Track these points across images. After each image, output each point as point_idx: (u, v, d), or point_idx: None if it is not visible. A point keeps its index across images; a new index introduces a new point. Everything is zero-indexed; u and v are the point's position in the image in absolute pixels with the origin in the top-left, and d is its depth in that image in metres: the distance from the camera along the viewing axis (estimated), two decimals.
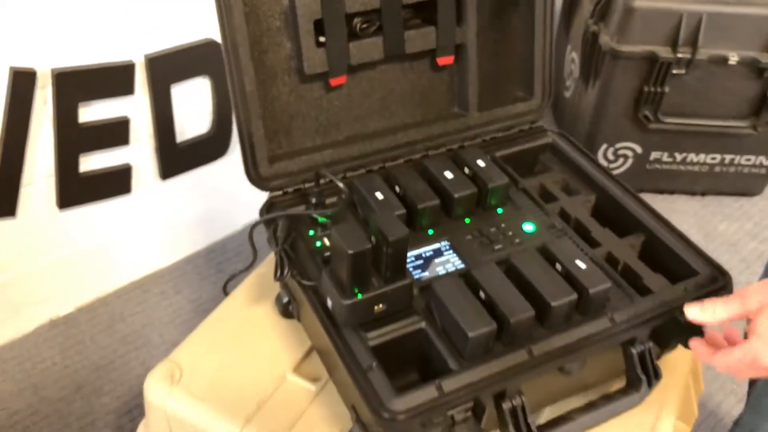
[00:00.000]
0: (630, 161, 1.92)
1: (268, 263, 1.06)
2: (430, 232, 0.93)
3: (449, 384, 0.74)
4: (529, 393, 0.78)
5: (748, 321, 0.74)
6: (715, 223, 1.96)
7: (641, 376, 0.82)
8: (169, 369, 0.91)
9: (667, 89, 1.76)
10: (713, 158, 1.91)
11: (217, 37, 1.47)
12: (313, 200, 0.91)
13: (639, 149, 1.90)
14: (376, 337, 0.78)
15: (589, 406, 0.82)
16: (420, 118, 1.05)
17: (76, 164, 1.44)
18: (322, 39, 0.92)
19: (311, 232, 0.89)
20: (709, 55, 1.70)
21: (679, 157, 1.91)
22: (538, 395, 0.83)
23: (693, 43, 1.69)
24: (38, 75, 1.32)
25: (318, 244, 0.88)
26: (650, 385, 0.83)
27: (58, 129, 1.38)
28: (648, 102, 1.79)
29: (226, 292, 1.03)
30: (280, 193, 0.95)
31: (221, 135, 1.64)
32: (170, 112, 1.52)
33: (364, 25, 0.94)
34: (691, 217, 1.97)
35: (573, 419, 0.80)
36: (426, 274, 0.87)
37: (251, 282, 1.03)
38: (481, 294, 0.80)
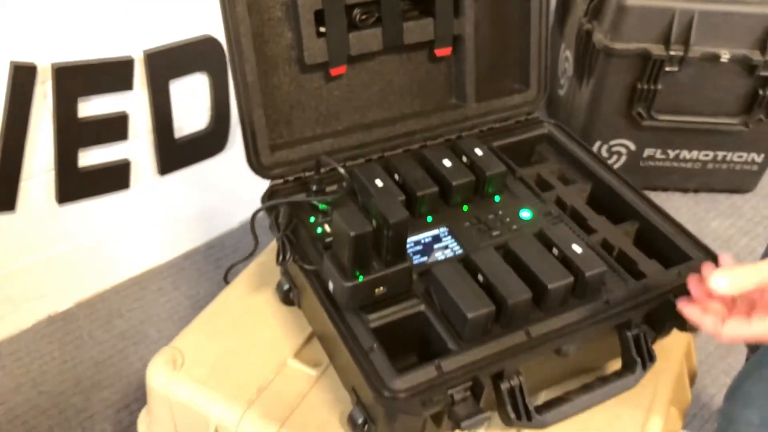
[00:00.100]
0: (624, 158, 1.94)
1: (268, 252, 1.07)
2: (429, 219, 0.94)
3: (448, 364, 0.75)
4: (526, 376, 0.80)
5: None
6: (708, 219, 1.98)
7: (636, 358, 0.84)
8: (171, 355, 0.92)
9: (660, 87, 1.78)
10: (706, 155, 1.93)
11: (216, 34, 1.51)
12: (314, 188, 0.92)
13: (632, 146, 1.92)
14: (377, 319, 0.80)
15: (586, 388, 0.83)
16: (418, 108, 1.06)
17: (75, 159, 1.45)
18: (322, 29, 0.94)
19: (312, 219, 0.91)
20: (701, 53, 1.72)
21: (672, 154, 1.93)
22: (535, 378, 0.84)
23: (685, 40, 1.71)
24: (38, 70, 1.32)
25: (319, 230, 0.89)
26: (645, 367, 0.84)
27: (58, 123, 1.39)
28: (641, 99, 1.81)
29: (227, 281, 1.04)
30: (281, 181, 0.97)
31: (219, 131, 1.65)
32: (169, 108, 1.53)
33: (364, 16, 0.96)
34: (684, 213, 1.99)
35: (569, 400, 0.82)
36: (425, 259, 0.89)
37: (252, 271, 1.04)
38: (480, 277, 0.82)
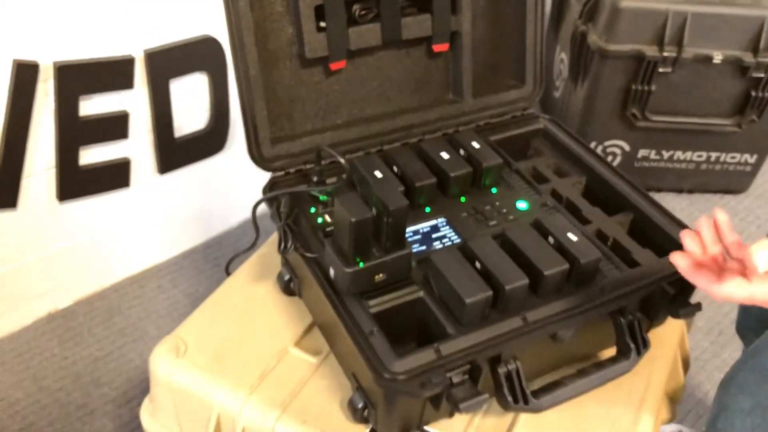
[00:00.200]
0: (618, 159, 1.96)
1: (269, 245, 1.09)
2: (428, 209, 0.96)
3: (447, 347, 0.77)
4: (524, 363, 0.82)
5: None
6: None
7: (630, 344, 0.86)
8: (174, 343, 0.94)
9: (654, 87, 1.80)
10: (699, 156, 1.96)
11: (215, 34, 1.53)
12: (315, 179, 0.94)
13: (627, 147, 1.94)
14: (377, 304, 0.82)
15: (581, 372, 0.85)
16: (416, 103, 1.08)
17: (76, 157, 1.47)
18: (322, 24, 0.96)
19: (313, 210, 0.93)
20: (694, 54, 1.75)
21: (666, 154, 1.96)
22: (532, 365, 0.86)
23: (678, 42, 1.74)
24: (41, 68, 1.34)
25: (319, 220, 0.91)
26: (639, 353, 0.86)
27: (59, 121, 1.41)
28: (635, 100, 1.83)
29: (228, 273, 1.06)
30: (281, 173, 0.98)
31: (218, 131, 1.67)
32: (169, 107, 1.55)
33: (363, 12, 0.98)
34: (678, 214, 1.96)
35: (565, 384, 0.83)
36: (424, 248, 0.90)
37: (253, 262, 1.06)
38: (477, 265, 0.84)
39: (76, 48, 1.38)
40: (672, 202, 2.05)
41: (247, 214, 0.92)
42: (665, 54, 1.74)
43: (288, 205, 0.92)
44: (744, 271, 0.70)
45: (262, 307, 0.99)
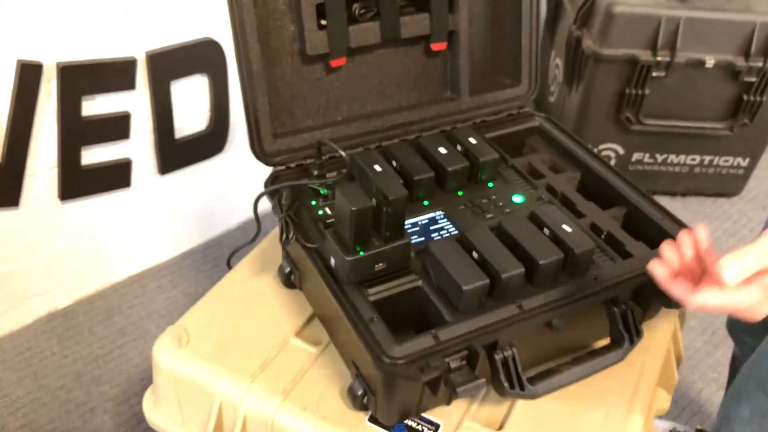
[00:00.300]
0: (613, 162, 1.99)
1: (270, 239, 1.11)
2: (426, 203, 0.98)
3: (445, 333, 0.79)
4: (520, 352, 0.84)
5: None
6: (696, 222, 2.01)
7: (623, 333, 0.88)
8: (176, 333, 0.95)
9: (647, 92, 1.83)
10: (693, 159, 1.98)
11: (216, 37, 1.55)
12: (315, 173, 0.96)
13: (621, 150, 1.97)
14: (377, 293, 0.84)
15: (576, 360, 0.87)
16: (415, 101, 1.11)
17: (78, 156, 1.49)
18: (323, 22, 0.98)
19: (313, 203, 0.95)
20: (687, 59, 1.78)
21: (660, 158, 1.98)
22: (528, 354, 0.88)
23: (672, 46, 1.77)
24: (44, 68, 1.36)
25: (320, 212, 0.93)
26: (632, 342, 0.88)
27: (62, 121, 1.42)
28: (629, 104, 1.86)
29: (229, 266, 1.08)
30: (283, 168, 1.01)
31: (218, 132, 1.69)
32: (170, 108, 1.57)
33: (363, 10, 1.01)
34: None
35: (560, 372, 0.85)
36: (422, 239, 0.93)
37: (255, 255, 1.08)
38: (474, 254, 0.86)
39: (79, 49, 1.40)
40: (666, 205, 2.04)
41: (247, 214, 0.94)
42: (659, 58, 1.77)
43: (289, 198, 0.94)
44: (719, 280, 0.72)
45: (263, 299, 1.01)
